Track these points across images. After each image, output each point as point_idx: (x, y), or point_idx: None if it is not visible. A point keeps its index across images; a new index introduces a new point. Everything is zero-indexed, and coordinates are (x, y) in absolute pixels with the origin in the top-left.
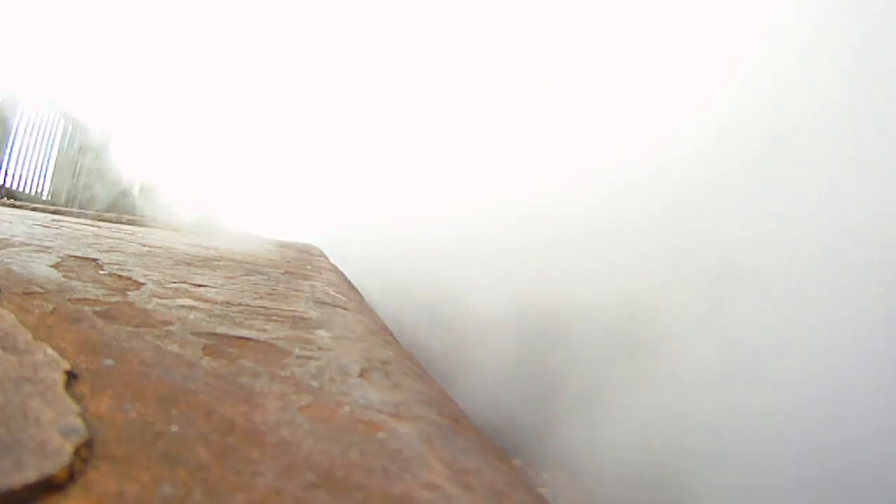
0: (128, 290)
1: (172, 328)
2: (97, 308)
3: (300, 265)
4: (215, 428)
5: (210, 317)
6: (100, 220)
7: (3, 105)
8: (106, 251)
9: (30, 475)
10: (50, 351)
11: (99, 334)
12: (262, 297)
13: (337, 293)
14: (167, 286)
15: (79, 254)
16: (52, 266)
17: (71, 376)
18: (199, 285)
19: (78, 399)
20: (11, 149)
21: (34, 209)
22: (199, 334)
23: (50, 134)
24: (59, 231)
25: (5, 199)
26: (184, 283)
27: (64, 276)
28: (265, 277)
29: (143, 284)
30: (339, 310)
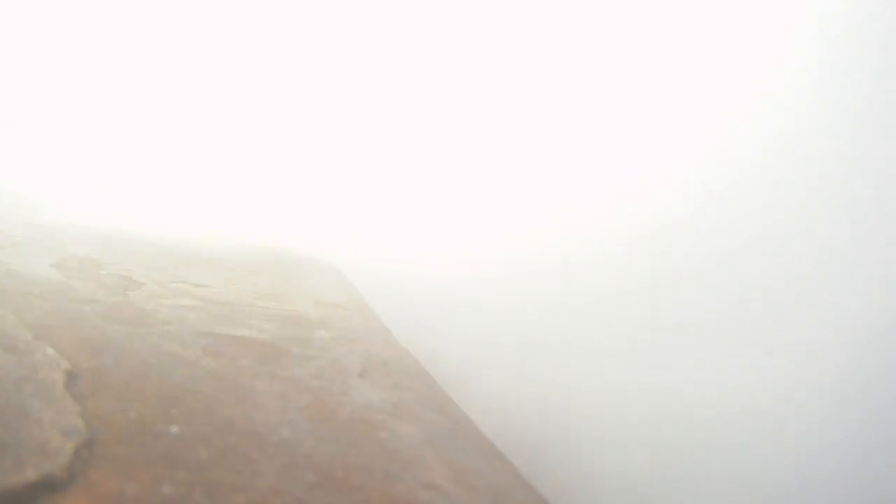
0: None
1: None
2: None
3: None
4: (215, 428)
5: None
6: None
7: None
8: None
9: (30, 475)
10: (50, 351)
11: None
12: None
13: (337, 293)
14: None
15: None
16: None
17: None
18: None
19: (78, 399)
20: None
21: None
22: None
23: None
24: None
25: None
26: None
27: None
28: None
29: None
30: (338, 309)
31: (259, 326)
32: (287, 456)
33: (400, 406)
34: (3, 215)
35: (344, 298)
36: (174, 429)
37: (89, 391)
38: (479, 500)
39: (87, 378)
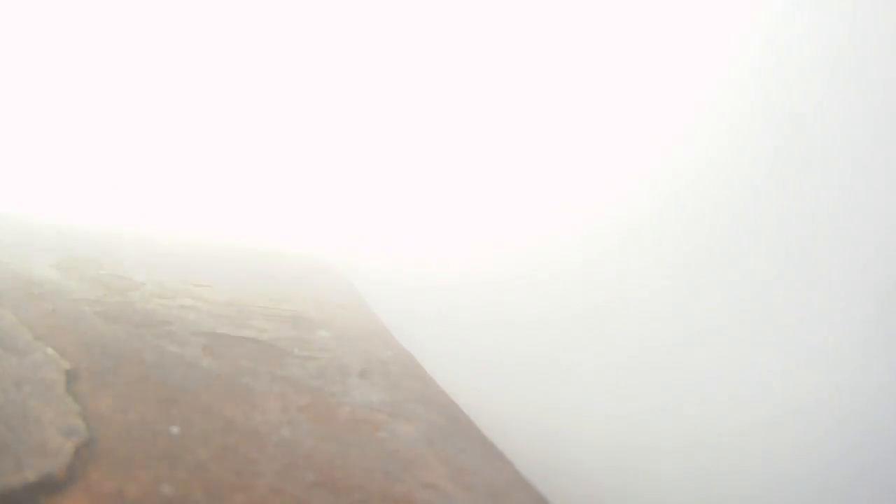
0: None
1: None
2: None
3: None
4: (215, 428)
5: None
6: None
7: None
8: None
9: (30, 475)
10: (50, 351)
11: None
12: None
13: (338, 293)
14: None
15: None
16: None
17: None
18: None
19: (78, 399)
20: None
21: None
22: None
23: None
24: None
25: None
26: None
27: None
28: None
29: None
30: (339, 309)
31: (259, 327)
32: (287, 456)
33: (400, 406)
34: (4, 215)
35: (344, 299)
36: (174, 429)
37: (89, 391)
38: (479, 499)
39: (87, 378)
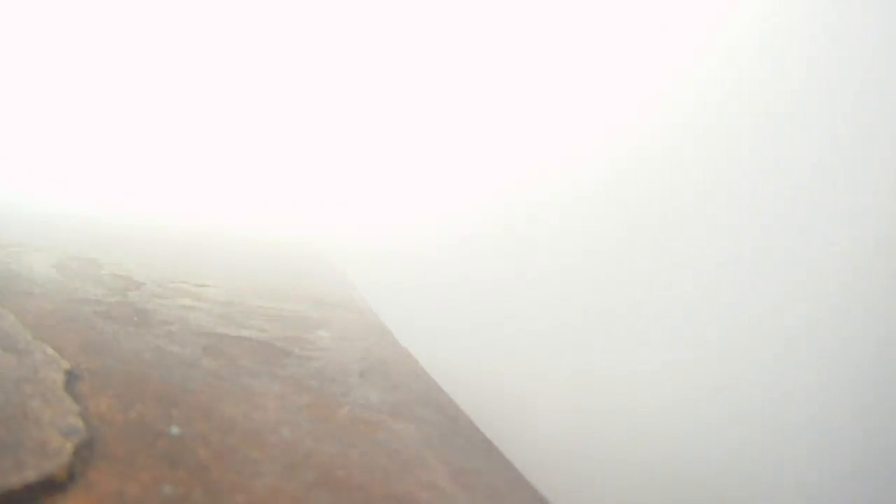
0: None
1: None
2: None
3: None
4: (215, 428)
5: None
6: None
7: None
8: None
9: (30, 475)
10: (50, 351)
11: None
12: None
13: (338, 293)
14: None
15: None
16: None
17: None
18: None
19: (78, 399)
20: None
21: None
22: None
23: None
24: None
25: None
26: None
27: None
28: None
29: None
30: (338, 309)
31: (259, 326)
32: (287, 456)
33: (400, 406)
34: (5, 214)
35: (344, 298)
36: (174, 429)
37: (89, 391)
38: (479, 499)
39: (87, 378)
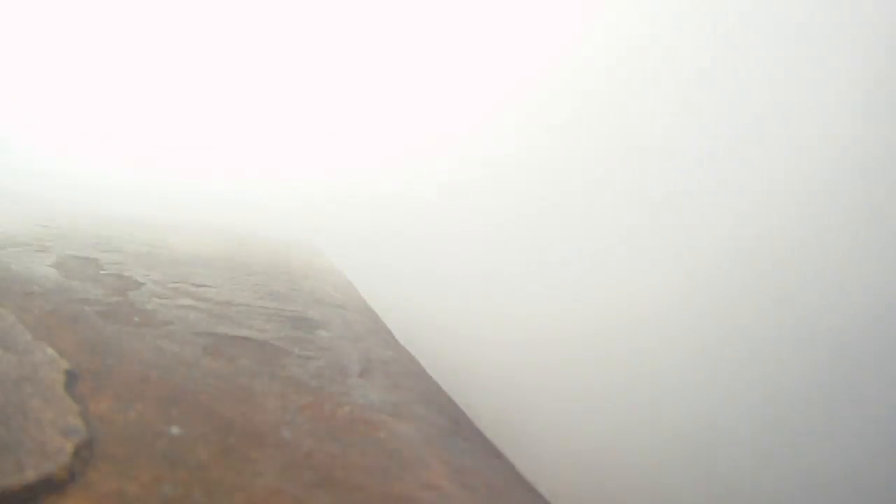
0: None
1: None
2: None
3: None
4: (215, 428)
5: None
6: None
7: None
8: None
9: (30, 475)
10: (50, 351)
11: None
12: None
13: (337, 293)
14: None
15: None
16: None
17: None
18: None
19: (78, 399)
20: None
21: None
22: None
23: None
24: None
25: None
26: None
27: None
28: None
29: None
30: (338, 309)
31: (259, 326)
32: (287, 456)
33: (400, 406)
34: (5, 214)
35: (344, 298)
36: (174, 429)
37: (89, 391)
38: (479, 499)
39: (87, 378)
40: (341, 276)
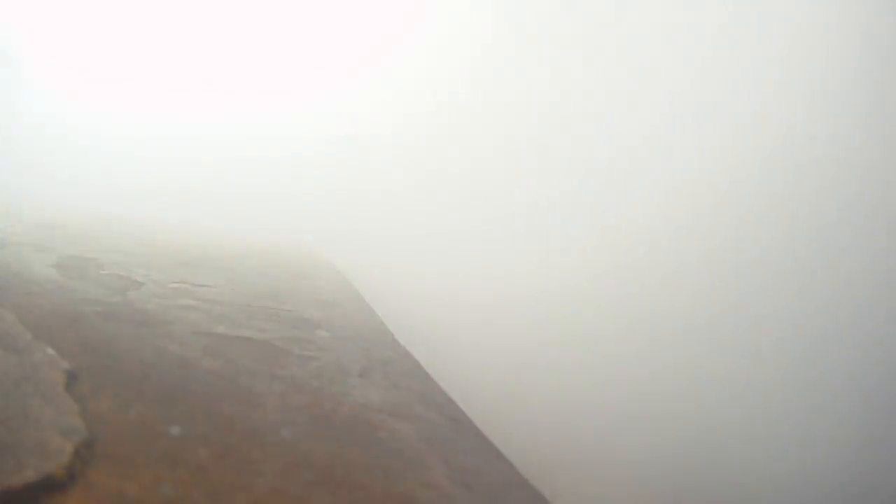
0: None
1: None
2: None
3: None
4: (215, 428)
5: None
6: None
7: None
8: None
9: (30, 475)
10: (50, 351)
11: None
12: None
13: (337, 293)
14: None
15: None
16: None
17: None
18: None
19: (78, 399)
20: None
21: None
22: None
23: None
24: None
25: None
26: None
27: None
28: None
29: None
30: (339, 309)
31: (259, 326)
32: (287, 455)
33: (400, 406)
34: (6, 215)
35: (344, 298)
36: (174, 429)
37: (89, 391)
38: (479, 499)
39: (87, 378)
40: (341, 276)
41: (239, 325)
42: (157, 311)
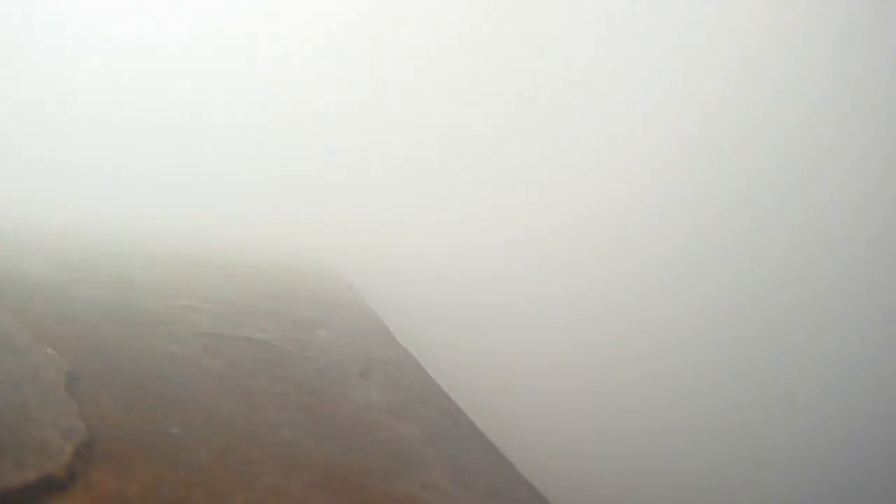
0: None
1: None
2: None
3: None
4: (215, 428)
5: None
6: None
7: None
8: None
9: (30, 475)
10: (50, 351)
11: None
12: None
13: (337, 294)
14: None
15: None
16: None
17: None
18: None
19: (78, 399)
20: None
21: None
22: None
23: None
24: None
25: None
26: None
27: None
28: None
29: None
30: (339, 309)
31: (259, 327)
32: (287, 456)
33: (400, 406)
34: (6, 216)
35: (344, 299)
36: (174, 429)
37: (89, 391)
38: (479, 499)
39: (87, 378)
40: (341, 277)
41: (239, 325)
42: (158, 311)
